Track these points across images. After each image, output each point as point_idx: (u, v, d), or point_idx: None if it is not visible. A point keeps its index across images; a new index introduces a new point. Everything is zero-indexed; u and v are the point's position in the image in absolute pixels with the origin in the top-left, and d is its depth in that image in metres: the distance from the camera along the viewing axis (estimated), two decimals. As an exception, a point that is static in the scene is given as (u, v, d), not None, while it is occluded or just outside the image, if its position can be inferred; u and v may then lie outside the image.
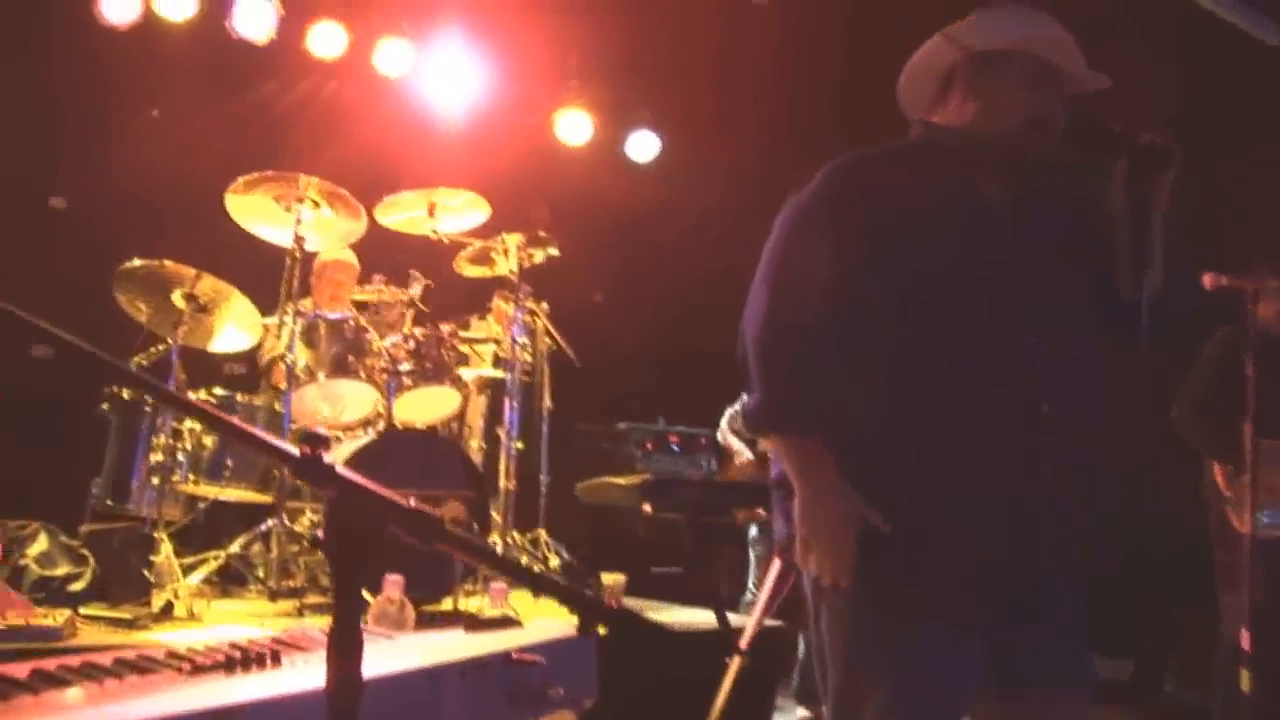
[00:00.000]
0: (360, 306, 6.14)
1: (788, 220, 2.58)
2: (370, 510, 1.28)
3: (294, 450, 1.29)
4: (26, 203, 6.83)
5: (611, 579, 5.83)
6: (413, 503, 1.27)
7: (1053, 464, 2.42)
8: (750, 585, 6.46)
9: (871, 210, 2.49)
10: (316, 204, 5.66)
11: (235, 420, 1.35)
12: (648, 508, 4.20)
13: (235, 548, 5.36)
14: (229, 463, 5.48)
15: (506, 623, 2.14)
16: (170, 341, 5.42)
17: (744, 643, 4.13)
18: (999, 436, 2.41)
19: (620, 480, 4.05)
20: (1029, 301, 2.48)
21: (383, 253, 6.45)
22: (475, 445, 6.57)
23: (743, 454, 6.47)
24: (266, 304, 5.72)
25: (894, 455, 2.41)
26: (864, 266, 2.46)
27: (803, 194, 2.59)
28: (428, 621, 4.50)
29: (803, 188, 2.61)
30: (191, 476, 5.39)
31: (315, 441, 1.27)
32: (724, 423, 6.72)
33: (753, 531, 6.40)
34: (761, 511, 5.42)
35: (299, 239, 5.59)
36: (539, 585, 1.35)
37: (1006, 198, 2.56)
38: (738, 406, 6.59)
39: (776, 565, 4.02)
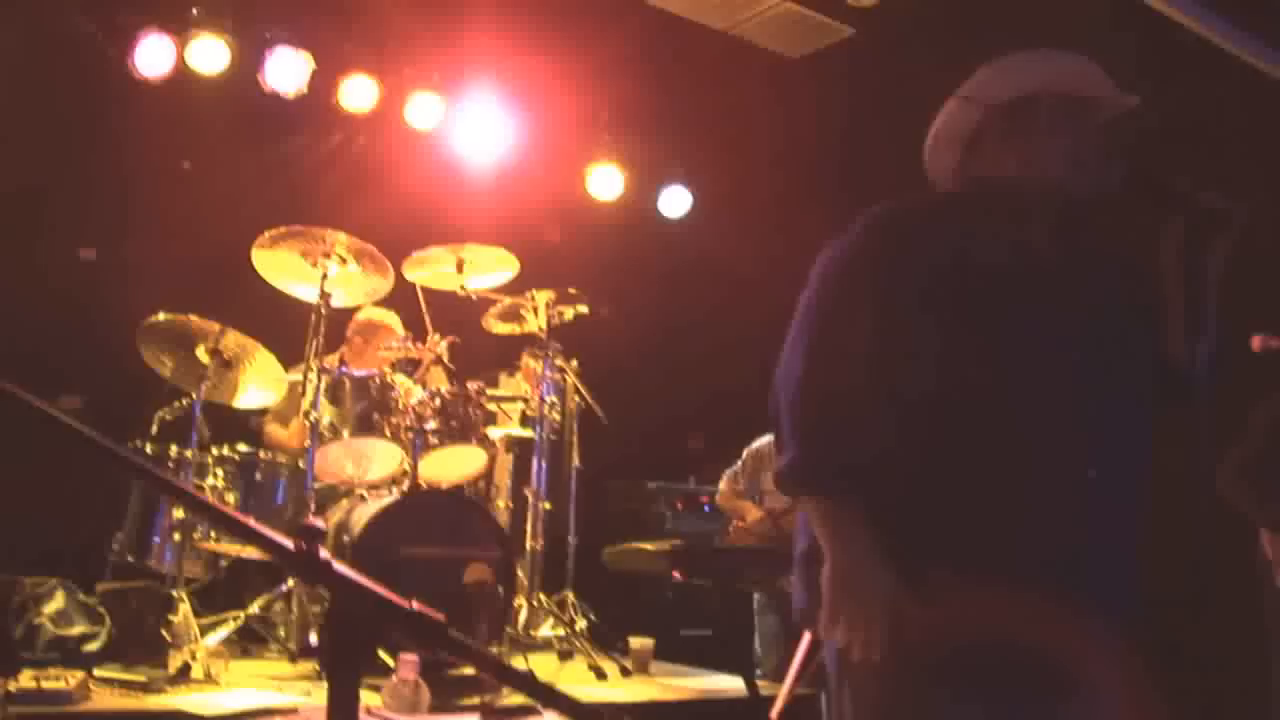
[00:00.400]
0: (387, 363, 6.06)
1: (823, 273, 2.47)
2: (369, 612, 1.17)
3: (288, 544, 1.19)
4: (57, 253, 6.81)
5: (640, 643, 5.70)
6: (415, 605, 1.15)
7: (1098, 527, 2.30)
8: (758, 653, 6.22)
9: (913, 262, 2.38)
10: (344, 260, 5.58)
11: (227, 509, 1.24)
12: (677, 575, 4.08)
13: (255, 608, 5.26)
14: (251, 520, 5.39)
15: (525, 712, 2.02)
16: (194, 396, 5.36)
17: (774, 713, 4.00)
18: (1043, 502, 2.29)
19: (649, 546, 3.94)
20: (1078, 362, 2.36)
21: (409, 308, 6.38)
22: (502, 505, 6.47)
23: (749, 511, 6.26)
24: (293, 359, 5.66)
25: (932, 519, 2.29)
26: (905, 321, 2.35)
27: (839, 245, 2.48)
28: (450, 691, 4.38)
29: (838, 238, 2.50)
30: (213, 534, 5.30)
31: (310, 536, 1.17)
32: (724, 484, 6.51)
33: (757, 598, 6.19)
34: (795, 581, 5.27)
35: (325, 295, 5.52)
36: (546, 698, 1.23)
37: (1054, 250, 2.46)
38: (737, 467, 6.42)
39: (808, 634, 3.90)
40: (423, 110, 7.36)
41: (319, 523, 1.16)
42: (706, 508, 7.46)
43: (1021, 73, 2.51)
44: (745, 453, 6.38)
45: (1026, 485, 2.29)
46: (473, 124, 7.51)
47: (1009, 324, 2.35)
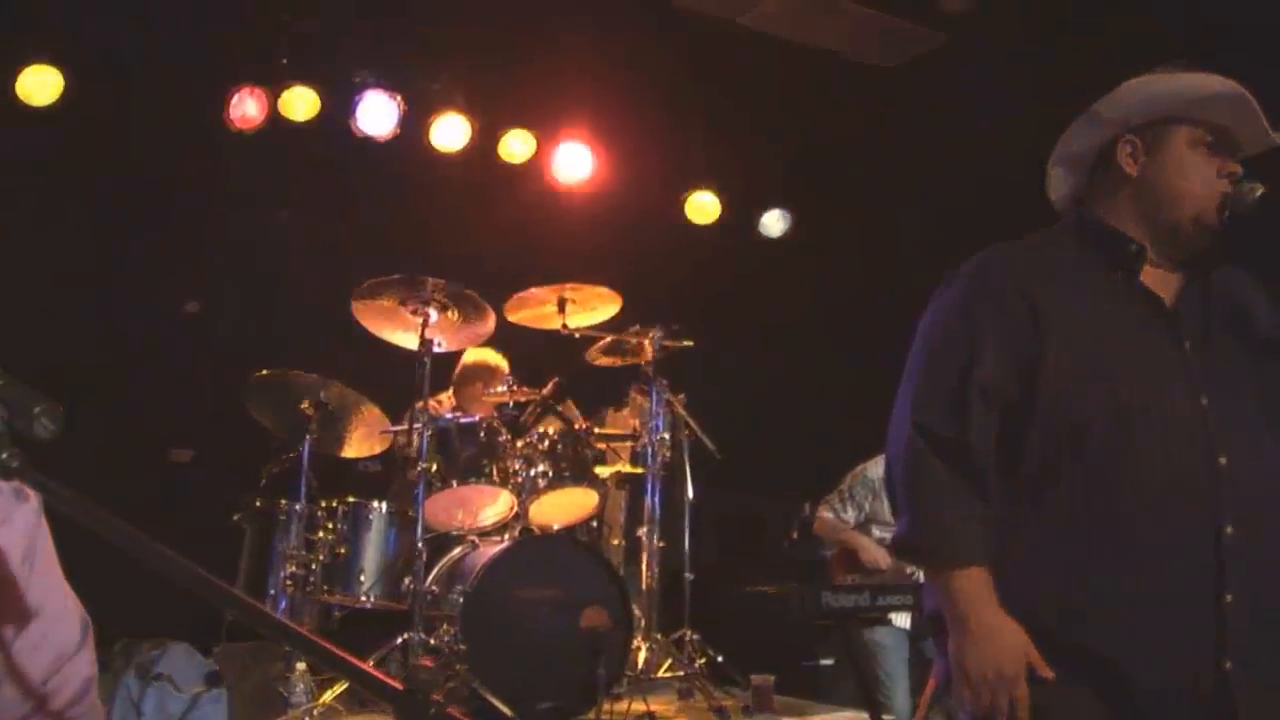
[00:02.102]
0: (494, 407, 5.98)
1: (931, 325, 2.33)
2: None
3: (397, 686, 1.08)
4: (162, 307, 6.87)
5: (761, 679, 5.54)
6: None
7: (1237, 592, 2.10)
8: (884, 684, 5.84)
9: (1026, 309, 2.24)
10: (443, 305, 5.50)
11: (333, 649, 1.14)
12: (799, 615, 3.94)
13: (371, 661, 5.20)
14: (364, 571, 5.37)
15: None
16: (300, 449, 5.35)
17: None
18: (1177, 562, 2.12)
19: (769, 590, 3.80)
20: (1205, 412, 2.18)
21: (512, 350, 6.31)
22: (615, 543, 6.34)
23: (864, 547, 5.93)
24: (400, 404, 5.60)
25: (1061, 585, 2.16)
26: (1018, 372, 2.22)
27: (947, 293, 2.34)
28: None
29: (947, 284, 2.36)
30: (326, 587, 5.29)
31: (422, 680, 1.05)
32: (824, 512, 6.11)
33: (879, 636, 5.84)
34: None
35: (426, 343, 5.44)
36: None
37: (1176, 296, 2.29)
38: (844, 490, 6.06)
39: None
40: (516, 146, 7.34)
41: (429, 663, 1.04)
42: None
43: (1161, 93, 2.31)
44: (849, 477, 6.06)
45: (1157, 546, 2.13)
46: (567, 157, 7.49)
47: (1129, 373, 2.19)
